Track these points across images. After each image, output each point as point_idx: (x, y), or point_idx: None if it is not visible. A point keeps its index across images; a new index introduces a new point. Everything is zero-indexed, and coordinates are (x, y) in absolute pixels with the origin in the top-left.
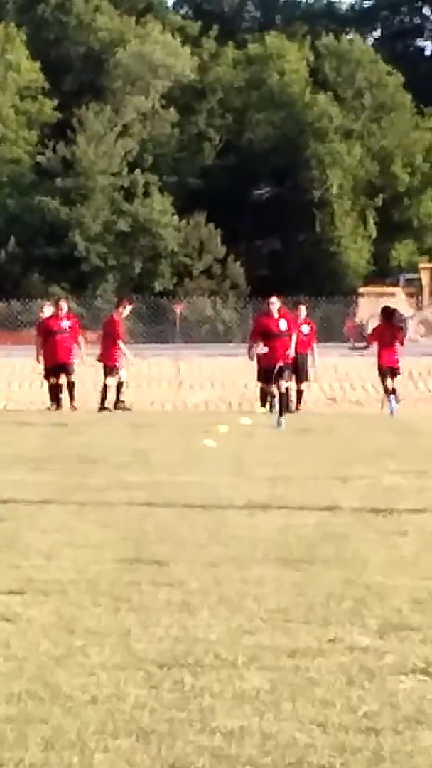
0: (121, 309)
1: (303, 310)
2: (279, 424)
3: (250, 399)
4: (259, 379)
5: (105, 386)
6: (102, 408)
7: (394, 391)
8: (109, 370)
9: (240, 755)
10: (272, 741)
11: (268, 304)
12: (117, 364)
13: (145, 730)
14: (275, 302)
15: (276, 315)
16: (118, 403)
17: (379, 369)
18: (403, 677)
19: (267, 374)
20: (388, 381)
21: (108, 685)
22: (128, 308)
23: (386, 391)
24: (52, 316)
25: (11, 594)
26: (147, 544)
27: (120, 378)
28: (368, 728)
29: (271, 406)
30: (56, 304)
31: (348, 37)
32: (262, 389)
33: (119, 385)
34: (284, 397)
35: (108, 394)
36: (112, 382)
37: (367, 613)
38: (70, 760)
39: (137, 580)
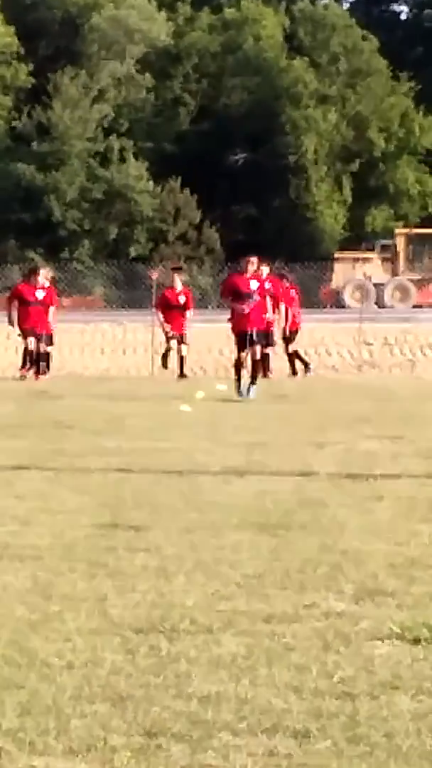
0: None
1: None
2: (247, 391)
3: (225, 365)
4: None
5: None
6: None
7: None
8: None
9: (216, 720)
10: (248, 706)
11: (246, 263)
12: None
13: (121, 696)
14: (253, 261)
15: (248, 275)
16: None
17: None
18: (379, 642)
19: (240, 340)
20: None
21: (84, 650)
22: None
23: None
24: (26, 284)
25: None
26: (123, 509)
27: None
28: (344, 693)
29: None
30: (34, 273)
31: (323, 1)
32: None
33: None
34: (257, 364)
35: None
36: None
37: (343, 578)
38: (46, 725)
39: (113, 545)
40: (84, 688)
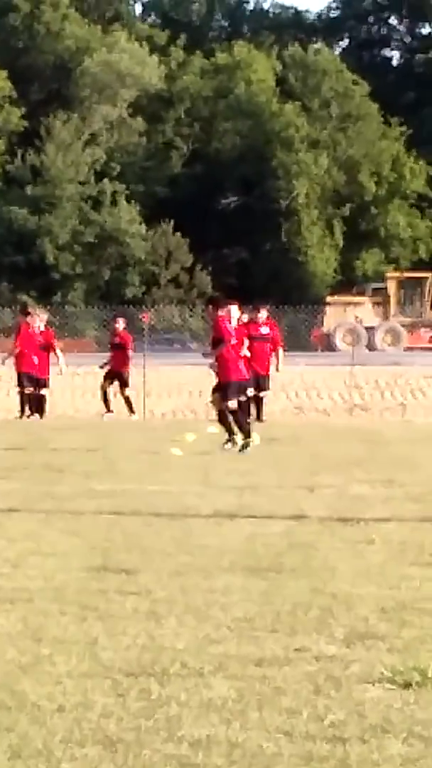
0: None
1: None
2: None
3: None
4: None
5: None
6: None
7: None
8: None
9: (207, 764)
10: (239, 750)
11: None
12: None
13: (111, 739)
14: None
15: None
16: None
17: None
18: (370, 686)
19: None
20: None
21: (75, 693)
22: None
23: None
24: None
25: None
26: (114, 552)
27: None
28: (335, 737)
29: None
30: (28, 315)
31: (315, 46)
32: None
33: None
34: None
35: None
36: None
37: (334, 622)
38: None
39: (104, 588)
40: (74, 731)
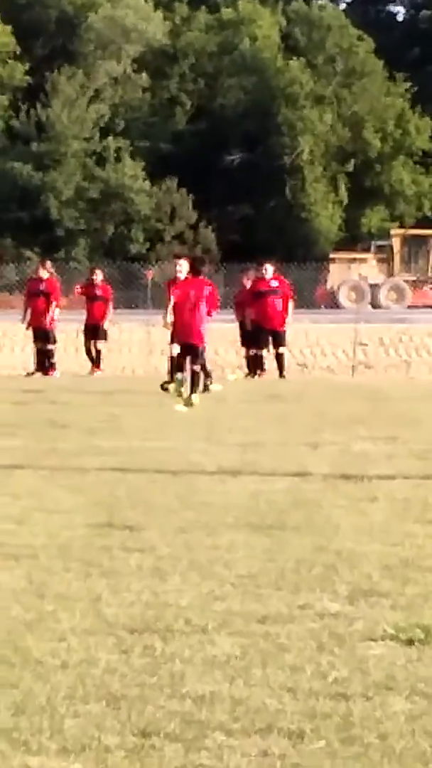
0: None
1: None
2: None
3: (221, 365)
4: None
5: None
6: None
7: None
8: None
9: (210, 720)
10: (242, 707)
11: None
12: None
13: (115, 696)
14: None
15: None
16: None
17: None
18: (373, 643)
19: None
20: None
21: (78, 650)
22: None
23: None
24: (29, 279)
25: None
26: (118, 509)
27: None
28: (338, 694)
29: None
30: (39, 266)
31: (319, 2)
32: None
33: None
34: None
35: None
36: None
37: (338, 579)
38: (40, 724)
39: (108, 545)
40: (78, 687)
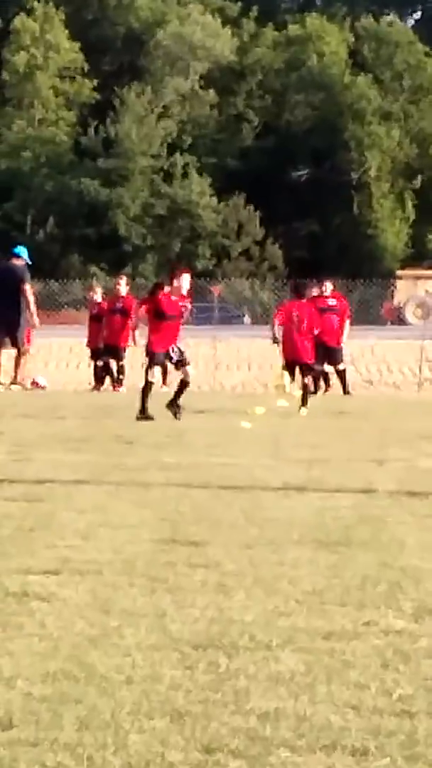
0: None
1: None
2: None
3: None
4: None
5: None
6: None
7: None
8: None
9: (274, 737)
10: (307, 723)
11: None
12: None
13: (179, 711)
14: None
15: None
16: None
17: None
18: None
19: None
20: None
21: (143, 665)
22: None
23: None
24: (106, 297)
25: (47, 574)
26: (183, 524)
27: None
28: (403, 711)
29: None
30: (116, 283)
31: (387, 18)
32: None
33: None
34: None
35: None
36: None
37: (403, 596)
38: (104, 740)
39: (173, 560)
40: (143, 703)
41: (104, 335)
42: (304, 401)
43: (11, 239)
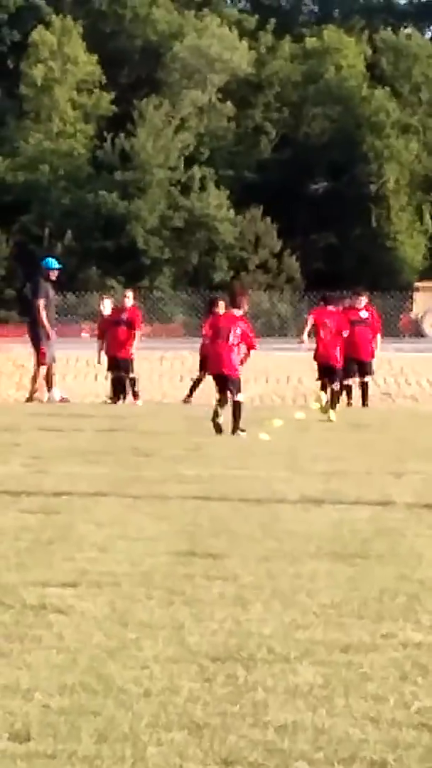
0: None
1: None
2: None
3: (304, 394)
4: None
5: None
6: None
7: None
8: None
9: (293, 750)
10: (325, 736)
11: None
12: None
13: (197, 724)
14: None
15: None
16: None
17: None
18: None
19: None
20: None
21: (161, 678)
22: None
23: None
24: (114, 309)
25: (65, 586)
26: (201, 537)
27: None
28: (421, 724)
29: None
30: (123, 295)
31: (406, 31)
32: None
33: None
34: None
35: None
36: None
37: (421, 608)
38: (122, 752)
39: (191, 573)
40: (161, 715)
41: (109, 347)
42: (333, 405)
43: (29, 252)
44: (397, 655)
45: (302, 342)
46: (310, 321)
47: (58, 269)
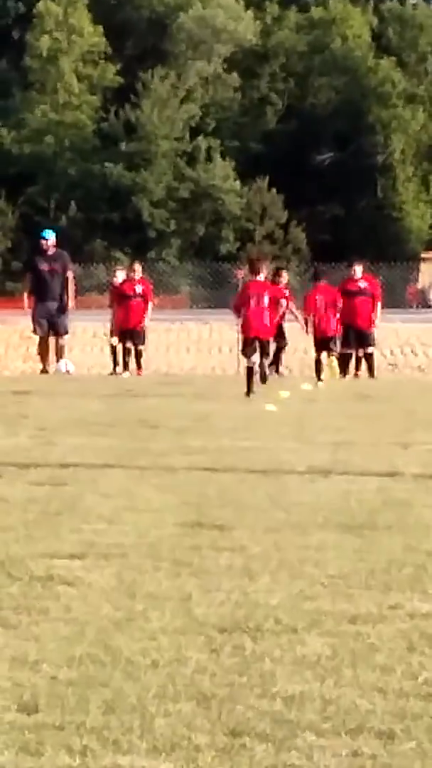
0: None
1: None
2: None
3: (310, 365)
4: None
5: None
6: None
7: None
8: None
9: (300, 720)
10: (333, 706)
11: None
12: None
13: (205, 695)
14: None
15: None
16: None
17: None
18: None
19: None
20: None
21: (168, 649)
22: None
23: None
24: (125, 281)
25: (72, 558)
26: (208, 508)
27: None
28: (429, 694)
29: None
30: (130, 269)
31: (412, 1)
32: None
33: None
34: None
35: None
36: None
37: (428, 579)
38: (130, 723)
39: (198, 544)
40: (168, 686)
41: (125, 319)
42: (318, 373)
43: (35, 224)
44: (405, 626)
45: (309, 333)
46: (302, 315)
47: (43, 238)
